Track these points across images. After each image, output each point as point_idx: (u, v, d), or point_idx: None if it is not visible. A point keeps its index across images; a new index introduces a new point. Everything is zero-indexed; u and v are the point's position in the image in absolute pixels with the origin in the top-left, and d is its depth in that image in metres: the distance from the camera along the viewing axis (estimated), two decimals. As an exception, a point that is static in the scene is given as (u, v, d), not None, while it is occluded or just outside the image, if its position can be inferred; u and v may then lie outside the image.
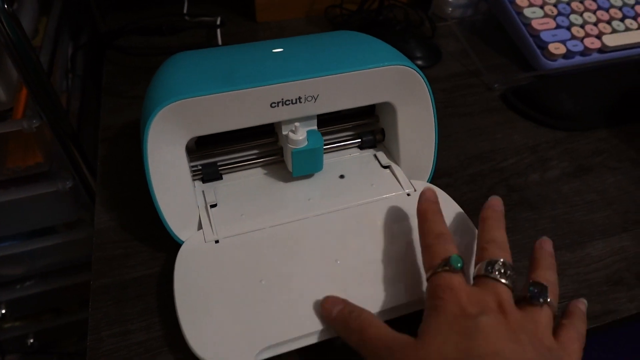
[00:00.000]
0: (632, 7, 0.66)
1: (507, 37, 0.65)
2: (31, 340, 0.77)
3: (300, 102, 0.36)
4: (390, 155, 0.43)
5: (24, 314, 0.77)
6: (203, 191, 0.39)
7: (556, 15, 0.63)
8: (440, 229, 0.33)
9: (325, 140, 0.40)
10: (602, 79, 0.57)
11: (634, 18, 0.65)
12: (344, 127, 0.44)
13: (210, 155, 0.41)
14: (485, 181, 0.46)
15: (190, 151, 0.40)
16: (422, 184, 0.41)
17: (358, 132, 0.44)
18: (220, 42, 0.64)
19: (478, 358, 0.25)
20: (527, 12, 0.62)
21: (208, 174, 0.40)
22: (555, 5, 0.64)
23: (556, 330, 0.30)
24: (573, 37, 0.62)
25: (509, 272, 0.29)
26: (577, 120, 0.53)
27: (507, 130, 0.53)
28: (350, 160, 0.43)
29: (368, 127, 0.45)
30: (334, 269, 0.34)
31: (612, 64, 0.62)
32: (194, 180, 0.40)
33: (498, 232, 0.33)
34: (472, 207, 0.39)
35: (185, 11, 0.65)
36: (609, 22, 0.64)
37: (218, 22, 0.62)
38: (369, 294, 0.33)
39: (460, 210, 0.39)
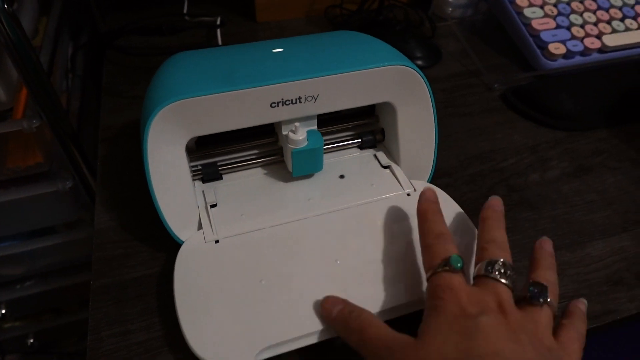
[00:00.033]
0: (632, 7, 0.66)
1: (507, 37, 0.65)
2: (31, 340, 0.77)
3: (300, 102, 0.36)
4: (390, 155, 0.43)
5: (24, 314, 0.77)
6: (203, 191, 0.39)
7: (556, 15, 0.63)
8: (440, 228, 0.33)
9: (325, 140, 0.40)
10: (602, 79, 0.57)
11: (634, 18, 0.65)
12: (344, 127, 0.44)
13: (210, 155, 0.41)
14: (485, 181, 0.46)
15: (190, 151, 0.40)
16: (422, 184, 0.41)
17: (358, 132, 0.44)
18: (220, 42, 0.64)
19: (478, 358, 0.25)
20: (527, 12, 0.62)
21: (208, 174, 0.40)
22: (555, 5, 0.64)
23: (556, 330, 0.30)
24: (573, 37, 0.62)
25: (509, 272, 0.29)
26: (577, 120, 0.53)
27: (507, 130, 0.53)
28: (350, 160, 0.43)
29: (368, 127, 0.45)
30: (334, 269, 0.34)
31: (612, 64, 0.62)
32: (194, 180, 0.40)
33: (498, 232, 0.33)
34: (472, 207, 0.39)
35: (185, 11, 0.65)
36: (609, 22, 0.64)
37: (218, 22, 0.62)
38: (369, 294, 0.33)
39: (460, 210, 0.39)
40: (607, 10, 0.65)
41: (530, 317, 0.29)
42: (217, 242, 0.36)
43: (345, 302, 0.31)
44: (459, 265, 0.29)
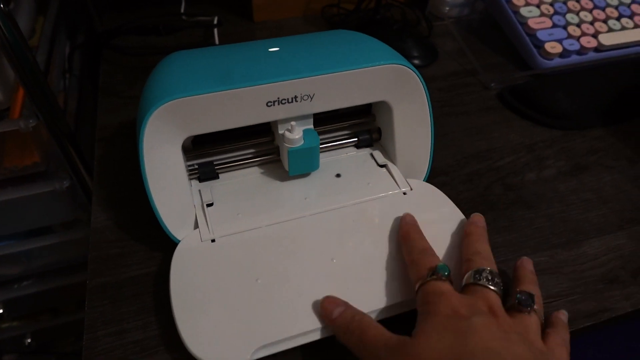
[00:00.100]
0: (629, 6, 0.66)
1: (503, 36, 0.65)
2: (29, 340, 0.77)
3: (296, 101, 0.36)
4: (386, 154, 0.43)
5: (22, 313, 0.77)
6: (199, 190, 0.39)
7: (552, 14, 0.63)
8: (423, 244, 0.34)
9: (321, 139, 0.40)
10: (599, 78, 0.57)
11: (630, 17, 0.65)
12: (340, 126, 0.44)
13: (206, 154, 0.41)
14: (481, 180, 0.46)
15: (187, 150, 0.40)
16: (419, 183, 0.41)
17: (354, 131, 0.44)
18: (217, 41, 0.64)
19: (471, 355, 0.25)
20: (524, 11, 0.62)
21: (204, 173, 0.40)
22: (551, 4, 0.64)
23: (542, 338, 0.30)
24: (569, 36, 0.62)
25: (496, 279, 0.30)
26: (574, 119, 0.53)
27: (503, 129, 0.53)
28: (346, 159, 0.43)
29: (364, 126, 0.45)
30: (330, 267, 0.34)
31: (608, 62, 0.62)
32: (190, 179, 0.40)
33: (482, 246, 0.34)
34: (469, 206, 0.40)
35: (182, 11, 0.64)
36: (605, 21, 0.64)
37: (215, 22, 0.62)
38: (365, 293, 0.33)
39: (457, 209, 0.39)
40: (603, 9, 0.65)
41: (520, 321, 0.29)
42: (213, 241, 0.36)
43: (346, 305, 0.31)
44: (446, 273, 0.30)
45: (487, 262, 0.32)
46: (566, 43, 0.61)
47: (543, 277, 0.37)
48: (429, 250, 0.33)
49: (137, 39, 0.61)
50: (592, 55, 0.62)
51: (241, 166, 0.41)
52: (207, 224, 0.37)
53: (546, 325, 0.32)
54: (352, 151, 0.44)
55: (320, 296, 0.32)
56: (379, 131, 0.44)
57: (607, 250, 0.40)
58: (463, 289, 0.31)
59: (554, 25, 0.62)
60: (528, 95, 0.55)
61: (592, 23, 0.63)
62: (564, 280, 0.38)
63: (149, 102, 0.33)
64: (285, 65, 0.36)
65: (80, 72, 0.67)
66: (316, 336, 0.31)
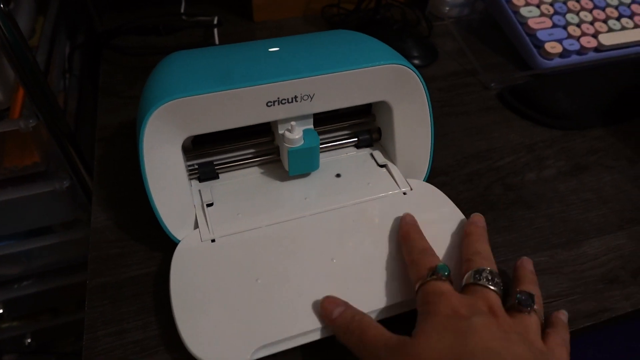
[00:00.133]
0: (629, 6, 0.66)
1: (503, 36, 0.65)
2: (29, 340, 0.77)
3: (296, 101, 0.36)
4: (386, 154, 0.43)
5: (22, 314, 0.77)
6: (199, 190, 0.39)
7: (552, 14, 0.63)
8: (424, 244, 0.34)
9: (321, 139, 0.40)
10: (599, 78, 0.57)
11: (630, 17, 0.65)
12: (340, 126, 0.44)
13: (206, 154, 0.41)
14: (481, 180, 0.46)
15: (187, 150, 0.40)
16: (419, 183, 0.41)
17: (354, 131, 0.44)
18: (217, 41, 0.64)
19: (471, 355, 0.25)
20: (524, 11, 0.62)
21: (204, 173, 0.40)
22: (551, 4, 0.64)
23: (542, 338, 0.30)
24: (569, 36, 0.62)
25: (496, 279, 0.30)
26: (574, 119, 0.53)
27: (503, 129, 0.53)
28: (346, 159, 0.43)
29: (364, 126, 0.45)
30: (330, 267, 0.34)
31: (608, 62, 0.62)
32: (190, 179, 0.40)
33: (482, 246, 0.34)
34: (469, 206, 0.40)
35: (182, 11, 0.64)
36: (605, 21, 0.64)
37: (215, 22, 0.62)
38: (365, 293, 0.33)
39: (457, 209, 0.39)
40: (603, 9, 0.65)
41: (520, 321, 0.29)
42: (213, 241, 0.36)
43: (346, 305, 0.31)
44: (446, 273, 0.30)
45: (487, 262, 0.32)
46: (566, 43, 0.61)
47: (543, 277, 0.37)
48: (429, 250, 0.33)
49: (137, 39, 0.61)
50: (592, 55, 0.62)
51: (241, 166, 0.41)
52: (207, 224, 0.37)
53: (546, 325, 0.32)
54: (352, 151, 0.44)
55: (320, 296, 0.32)
56: (379, 131, 0.44)
57: (607, 250, 0.40)
58: (463, 289, 0.31)
59: (554, 25, 0.62)
60: (528, 95, 0.55)
61: (592, 23, 0.63)
62: (564, 280, 0.38)
63: (149, 102, 0.33)
64: (285, 65, 0.36)
65: (80, 72, 0.67)
66: (316, 336, 0.31)
